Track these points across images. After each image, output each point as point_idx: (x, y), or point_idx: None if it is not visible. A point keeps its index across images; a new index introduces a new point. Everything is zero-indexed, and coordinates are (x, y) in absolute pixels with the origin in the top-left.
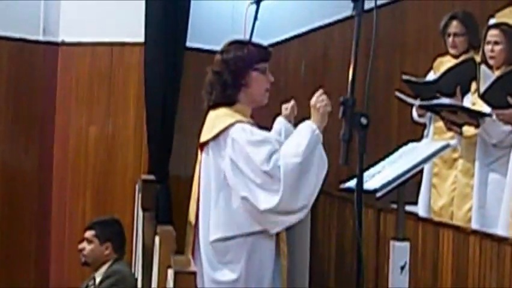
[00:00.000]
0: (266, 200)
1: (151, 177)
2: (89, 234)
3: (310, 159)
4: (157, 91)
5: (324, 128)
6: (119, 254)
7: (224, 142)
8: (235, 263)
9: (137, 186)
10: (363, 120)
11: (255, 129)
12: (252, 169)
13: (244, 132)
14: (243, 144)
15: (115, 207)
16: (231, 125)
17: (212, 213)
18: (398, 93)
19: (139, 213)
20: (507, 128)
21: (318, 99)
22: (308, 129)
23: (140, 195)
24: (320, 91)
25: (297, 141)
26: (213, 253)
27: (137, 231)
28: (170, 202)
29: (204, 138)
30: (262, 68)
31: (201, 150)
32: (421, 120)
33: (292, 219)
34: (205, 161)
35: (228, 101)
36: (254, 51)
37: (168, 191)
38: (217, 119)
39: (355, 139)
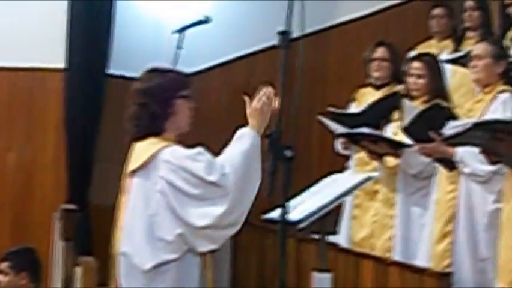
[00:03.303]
0: (207, 214)
1: (72, 206)
2: (3, 266)
3: (253, 166)
4: (77, 118)
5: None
6: (36, 284)
7: (154, 168)
8: None
9: (55, 215)
10: (288, 153)
11: (185, 149)
12: (191, 183)
13: (177, 151)
14: (179, 161)
15: (33, 236)
16: (160, 150)
17: (143, 242)
18: (321, 118)
19: (58, 243)
20: (426, 159)
21: (259, 101)
22: (250, 135)
23: (60, 224)
24: (263, 90)
25: (240, 148)
26: (144, 282)
27: (55, 261)
28: (91, 232)
29: (132, 166)
30: (186, 94)
31: (129, 179)
32: (345, 152)
33: (229, 232)
34: (133, 189)
35: (155, 131)
36: (176, 78)
37: (88, 220)
38: (145, 147)
39: (279, 170)
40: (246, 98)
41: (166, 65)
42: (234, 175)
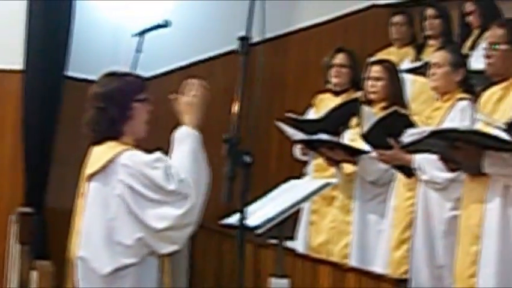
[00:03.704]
0: (166, 216)
1: (28, 209)
2: None
3: (201, 161)
4: (34, 120)
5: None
6: None
7: (113, 172)
8: None
9: (11, 218)
10: (247, 158)
11: (144, 153)
12: (151, 189)
13: (135, 156)
14: (138, 166)
15: None
16: (118, 154)
17: (101, 246)
18: (278, 123)
19: (14, 246)
20: (384, 166)
21: (188, 95)
22: (190, 134)
23: (16, 227)
24: (188, 83)
25: (186, 151)
26: (102, 287)
27: (11, 264)
28: (47, 236)
29: (90, 169)
30: (144, 98)
31: (86, 183)
32: (304, 158)
33: (189, 231)
34: (91, 193)
35: (113, 135)
36: (134, 81)
37: (44, 223)
38: (104, 151)
39: (237, 176)
40: (173, 96)
41: (125, 68)
42: (190, 180)
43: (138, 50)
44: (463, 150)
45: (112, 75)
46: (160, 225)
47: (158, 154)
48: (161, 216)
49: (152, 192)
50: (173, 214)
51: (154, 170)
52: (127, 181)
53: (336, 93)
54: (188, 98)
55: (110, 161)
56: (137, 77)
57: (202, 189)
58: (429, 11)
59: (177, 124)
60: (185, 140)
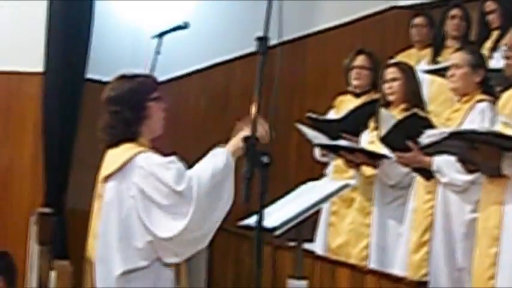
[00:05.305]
0: (170, 227)
1: (48, 210)
2: None
3: (223, 185)
4: (54, 122)
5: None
6: None
7: (129, 173)
8: None
9: (31, 219)
10: (265, 159)
11: (160, 156)
12: (160, 192)
13: (150, 158)
14: (151, 168)
15: (9, 240)
16: (136, 154)
17: (115, 247)
18: (299, 125)
19: (34, 247)
20: (405, 169)
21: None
22: (224, 154)
23: (35, 228)
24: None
25: (212, 165)
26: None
27: (30, 265)
28: (66, 236)
29: (107, 171)
30: (157, 96)
31: (103, 184)
32: (324, 159)
33: (192, 249)
34: (107, 194)
35: (130, 136)
36: (145, 81)
37: (64, 224)
38: (120, 152)
39: (255, 177)
40: (245, 122)
41: (143, 70)
42: (199, 189)
43: (157, 52)
44: (482, 152)
45: (122, 78)
46: (164, 234)
47: (173, 158)
48: (166, 226)
49: (162, 196)
50: (177, 226)
51: (167, 171)
52: (140, 184)
53: (357, 95)
54: (263, 135)
55: (127, 162)
56: (148, 76)
57: (214, 213)
58: (456, 11)
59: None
60: (217, 156)
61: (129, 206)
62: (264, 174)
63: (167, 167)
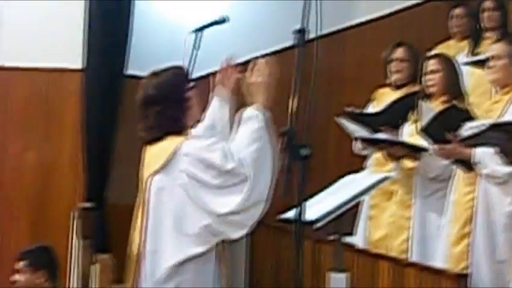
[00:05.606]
0: (227, 202)
1: (90, 204)
2: (20, 265)
3: (265, 144)
4: (95, 118)
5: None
6: (54, 282)
7: (175, 163)
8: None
9: (72, 214)
10: (304, 152)
11: (198, 134)
12: (211, 174)
13: (193, 143)
14: (196, 152)
15: (51, 234)
16: (180, 144)
17: (168, 238)
18: (339, 119)
19: (75, 242)
20: (445, 162)
21: (255, 75)
22: (255, 114)
23: (77, 223)
24: (253, 62)
25: (250, 130)
26: (164, 279)
27: (72, 259)
28: (108, 230)
29: (155, 166)
30: (192, 85)
31: (150, 177)
32: (364, 152)
33: (257, 211)
34: (155, 187)
35: (177, 130)
36: (178, 72)
37: (105, 218)
38: (165, 145)
39: (294, 170)
40: (240, 76)
41: (183, 65)
42: (249, 159)
43: (196, 47)
44: None
45: (154, 75)
46: (224, 209)
47: (213, 138)
48: (223, 202)
49: (212, 177)
50: (235, 200)
51: (212, 153)
52: (188, 170)
53: (396, 88)
54: (256, 78)
55: (173, 153)
56: (178, 67)
57: (267, 167)
58: (488, 3)
59: (241, 106)
60: (248, 120)
61: (179, 194)
62: (303, 166)
63: (211, 148)
